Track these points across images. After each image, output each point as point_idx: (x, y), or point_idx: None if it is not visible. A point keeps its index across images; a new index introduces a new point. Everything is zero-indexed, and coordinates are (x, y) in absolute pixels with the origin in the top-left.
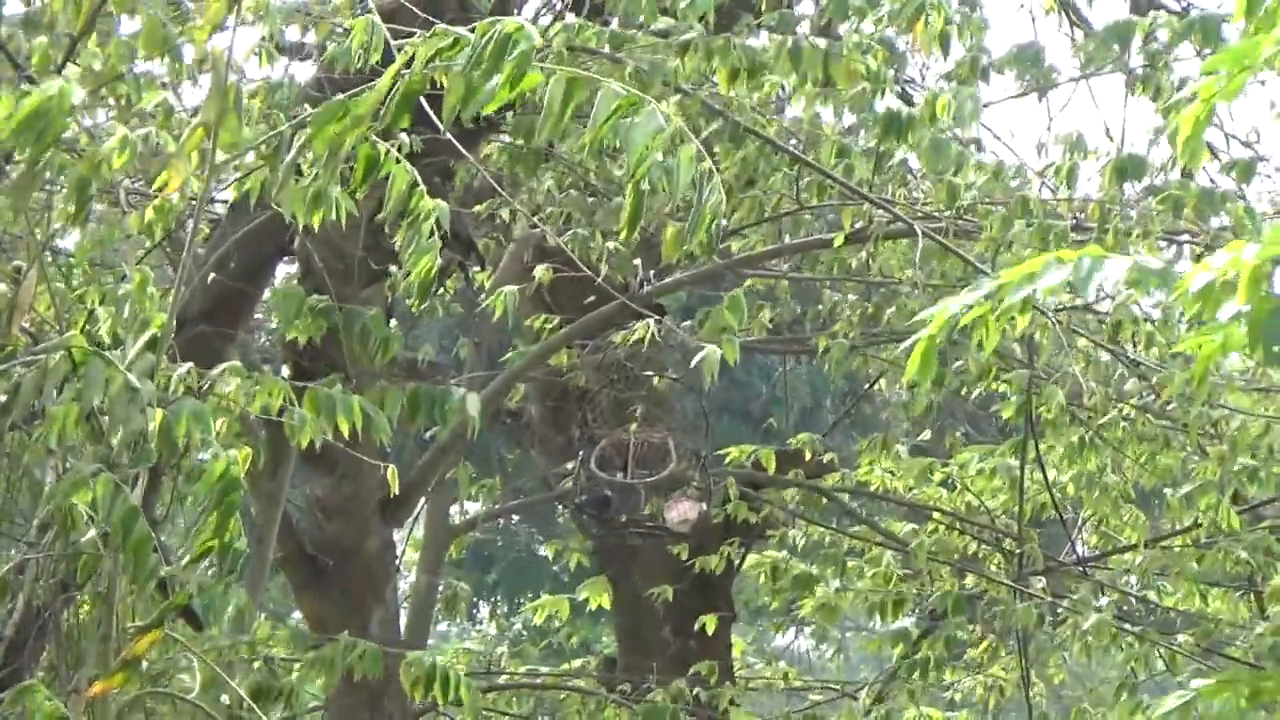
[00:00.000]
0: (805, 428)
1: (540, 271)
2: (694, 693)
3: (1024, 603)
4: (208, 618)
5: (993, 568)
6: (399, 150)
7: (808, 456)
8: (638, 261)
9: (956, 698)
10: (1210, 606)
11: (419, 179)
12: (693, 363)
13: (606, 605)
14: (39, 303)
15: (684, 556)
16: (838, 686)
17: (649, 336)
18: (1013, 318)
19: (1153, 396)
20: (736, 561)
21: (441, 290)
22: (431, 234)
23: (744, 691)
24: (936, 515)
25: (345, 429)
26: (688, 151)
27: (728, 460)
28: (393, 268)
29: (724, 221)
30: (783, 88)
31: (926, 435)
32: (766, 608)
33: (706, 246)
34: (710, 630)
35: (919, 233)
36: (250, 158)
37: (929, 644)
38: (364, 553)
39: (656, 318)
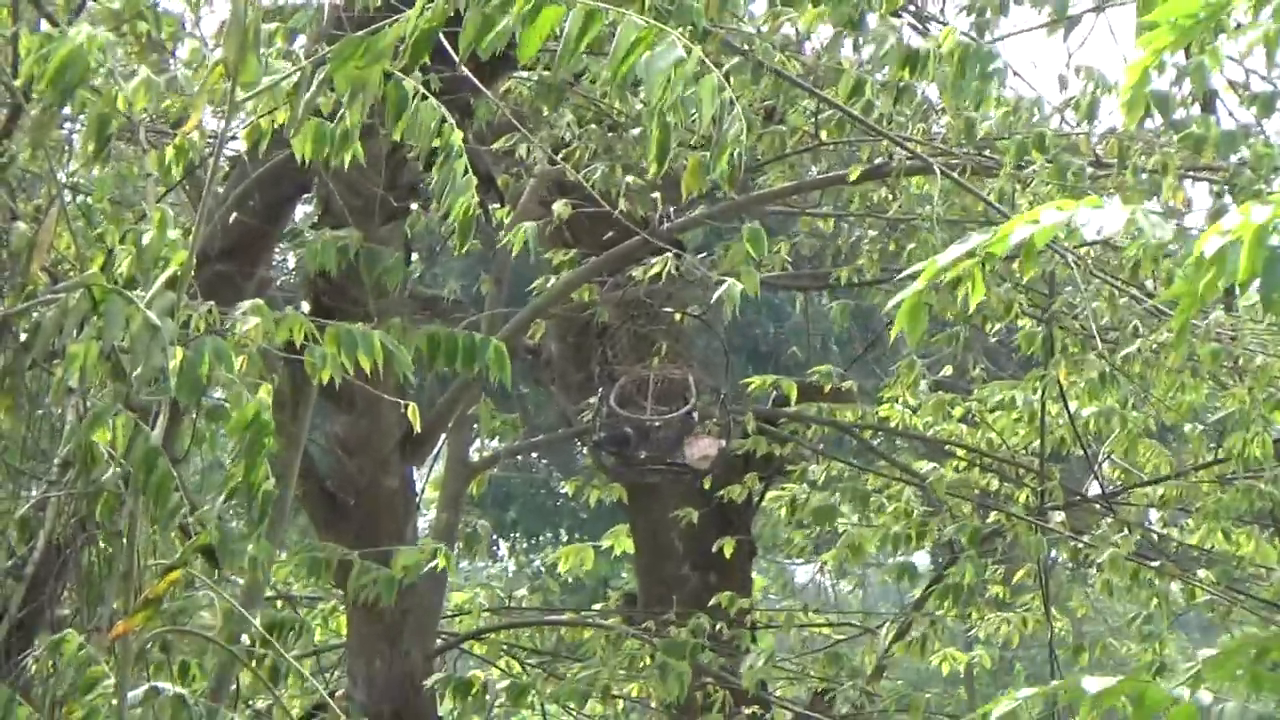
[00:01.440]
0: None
1: (559, 207)
2: (716, 627)
3: (1044, 536)
4: (224, 559)
5: (1015, 507)
6: (424, 88)
7: (825, 389)
8: (657, 196)
9: (981, 635)
10: (1234, 546)
11: (448, 115)
12: (714, 296)
13: (631, 550)
14: (59, 242)
15: (707, 487)
16: (858, 623)
17: (669, 272)
18: (1013, 266)
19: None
20: (756, 497)
21: None
22: (466, 172)
23: (763, 626)
24: (957, 451)
25: (366, 365)
26: (709, 83)
27: (750, 390)
28: (413, 205)
29: (744, 155)
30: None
31: (948, 370)
32: (786, 544)
33: (728, 177)
34: (729, 554)
35: (936, 170)
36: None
37: (955, 572)
38: (384, 490)
39: (676, 253)
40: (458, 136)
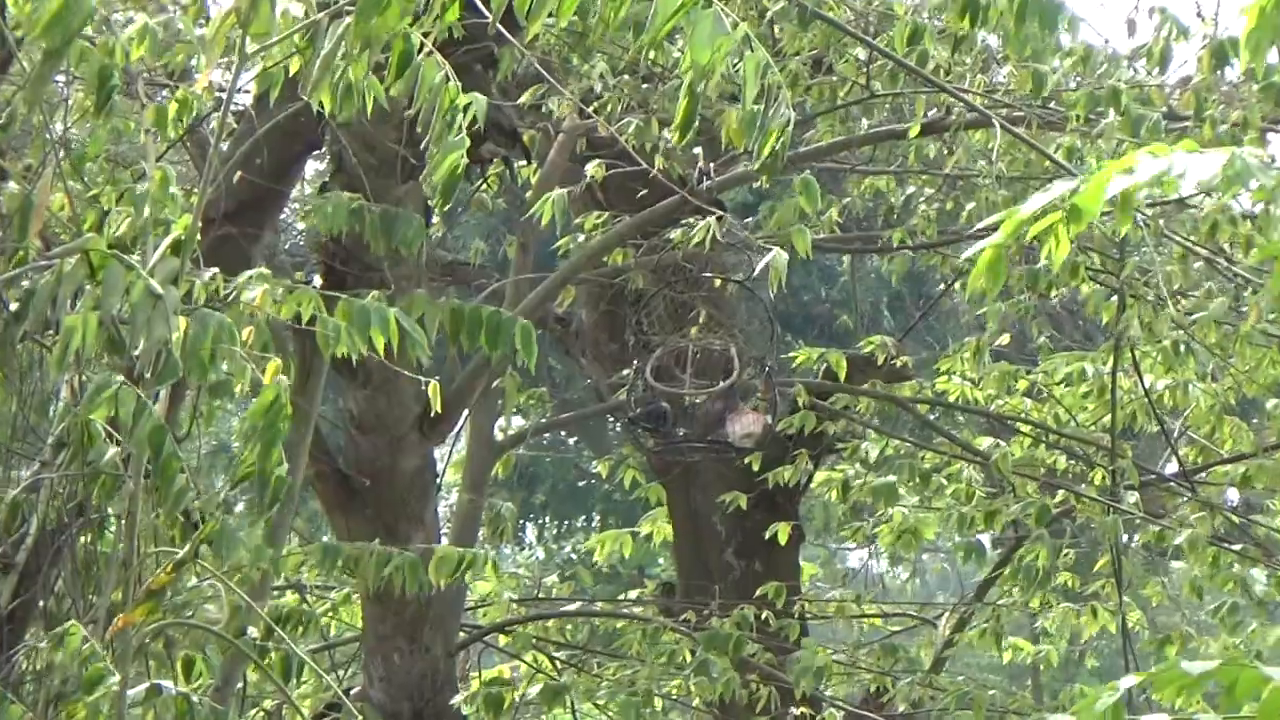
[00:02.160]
0: (874, 334)
1: (592, 168)
2: (762, 617)
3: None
4: (224, 550)
5: (1085, 488)
6: (434, 39)
7: (880, 361)
8: (698, 151)
9: (1050, 626)
10: None
11: (452, 73)
12: (759, 265)
13: (669, 535)
14: (52, 203)
15: (754, 468)
16: (915, 613)
17: (710, 235)
18: (1093, 221)
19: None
20: (804, 478)
21: (485, 186)
22: (460, 131)
23: (813, 618)
24: (1022, 427)
25: (380, 344)
26: (754, 60)
27: (796, 364)
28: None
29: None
30: None
31: (1005, 340)
32: (835, 530)
33: (770, 166)
34: (782, 541)
35: (996, 124)
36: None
37: (1027, 552)
38: (401, 471)
39: (718, 214)
40: (460, 95)
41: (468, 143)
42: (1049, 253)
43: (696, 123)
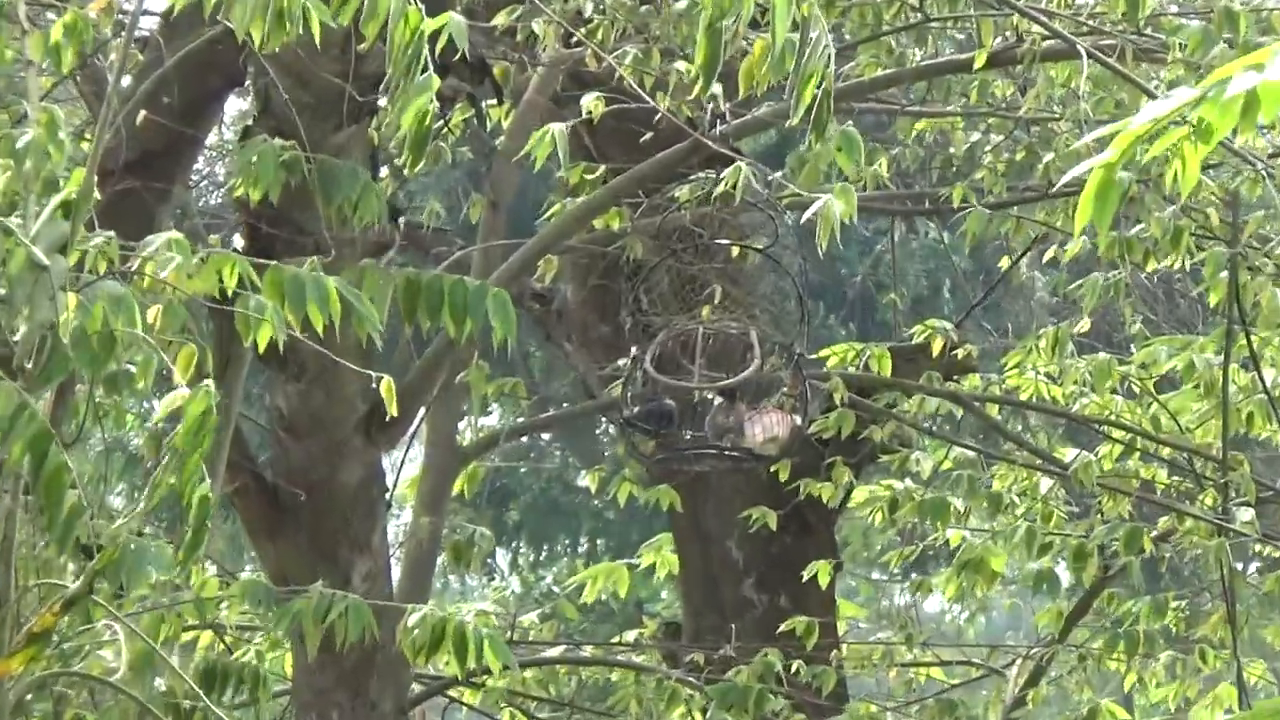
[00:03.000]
0: (923, 317)
1: (589, 103)
2: (790, 667)
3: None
4: (127, 583)
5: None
6: None
7: (935, 351)
8: (718, 90)
9: (1150, 681)
10: None
11: None
12: (806, 214)
13: (675, 564)
14: None
15: (781, 480)
16: (980, 661)
17: (725, 191)
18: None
19: None
20: (842, 493)
21: (446, 131)
22: (426, 67)
23: (853, 668)
24: (1112, 433)
25: (319, 323)
26: None
27: (830, 363)
28: (382, 100)
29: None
30: None
31: (1085, 326)
32: (878, 558)
33: (817, 121)
34: (820, 582)
35: (1083, 53)
36: None
37: (1124, 611)
38: (342, 484)
39: (741, 163)
40: (418, 16)
41: (438, 82)
42: (1174, 179)
43: (719, 66)
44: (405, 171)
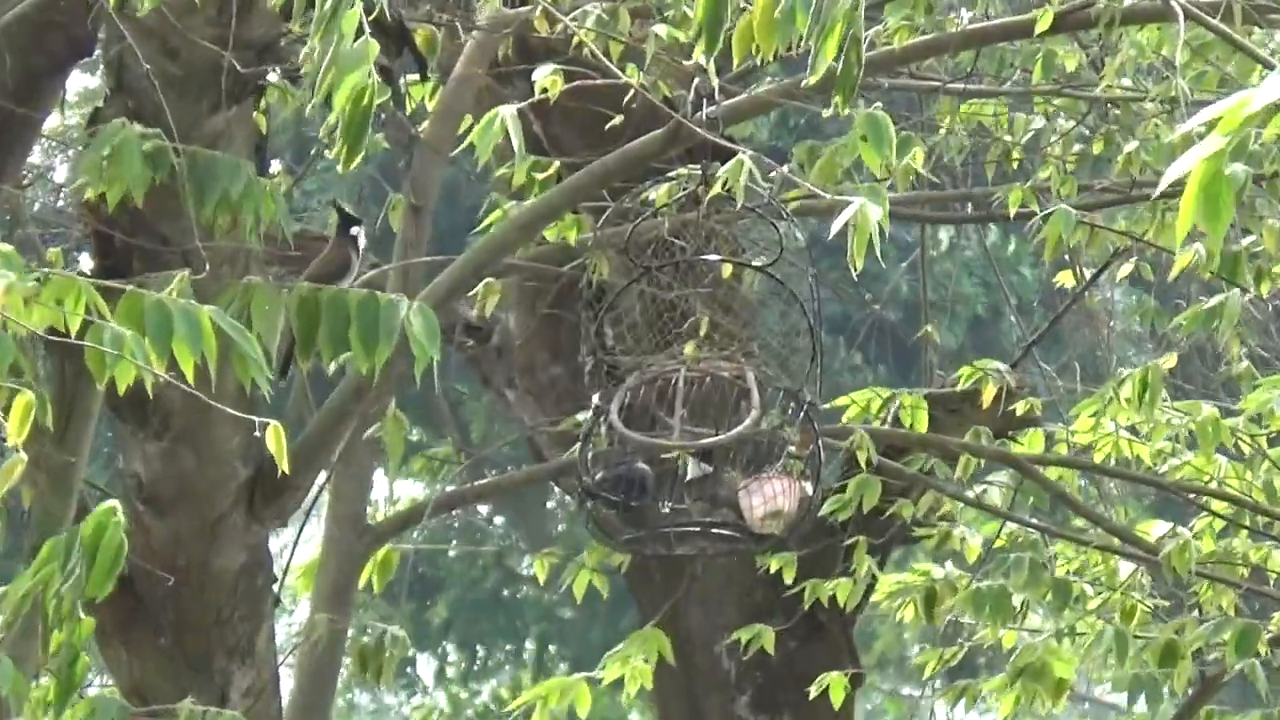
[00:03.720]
0: (972, 352)
1: (540, 78)
2: None
3: None
4: None
5: None
6: None
7: (985, 400)
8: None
9: None
10: None
11: None
12: (835, 225)
13: (648, 677)
14: None
15: (783, 575)
16: None
17: (716, 193)
18: None
19: None
20: (864, 583)
21: None
22: (361, 31)
23: None
24: (1212, 504)
25: (188, 365)
26: None
27: (848, 415)
28: (271, 74)
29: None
30: None
31: (1169, 361)
32: (907, 662)
33: (843, 83)
34: (835, 699)
35: (1179, 10)
36: None
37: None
38: (217, 573)
39: (737, 156)
40: None
41: (376, 49)
42: None
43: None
44: (339, 168)
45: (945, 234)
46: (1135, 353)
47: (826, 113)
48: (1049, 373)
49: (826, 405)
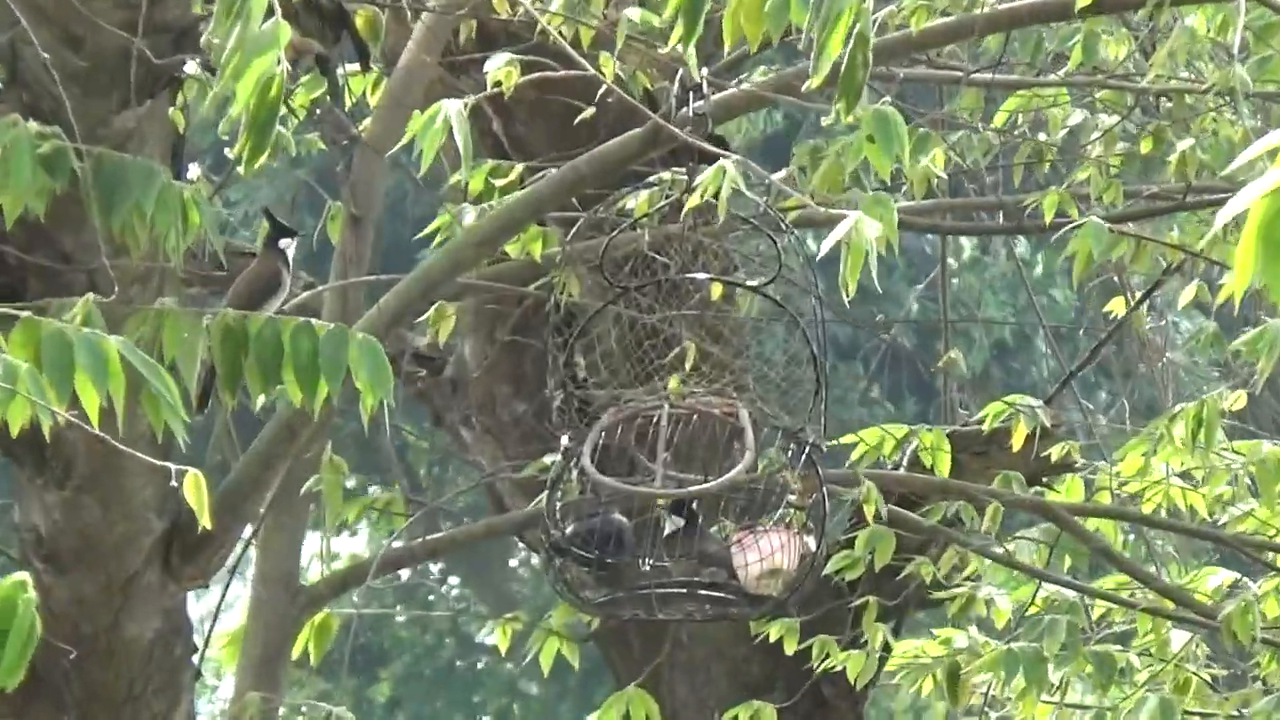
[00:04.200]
0: (1000, 386)
1: (498, 69)
2: None
3: None
4: None
5: None
6: None
7: (1016, 442)
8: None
9: None
10: None
11: None
12: (826, 244)
13: None
14: None
15: (783, 644)
16: None
17: (703, 201)
18: None
19: None
20: (877, 654)
21: (284, 113)
22: (271, 12)
23: None
24: (1278, 560)
25: (92, 406)
26: None
27: (857, 454)
28: (190, 64)
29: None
30: None
31: (1240, 401)
32: None
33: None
34: None
35: None
36: None
37: None
38: (128, 641)
39: (726, 160)
40: None
41: (288, 33)
42: None
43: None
44: (241, 169)
45: (968, 245)
46: (1199, 390)
47: (827, 120)
48: (1089, 409)
49: (832, 443)
